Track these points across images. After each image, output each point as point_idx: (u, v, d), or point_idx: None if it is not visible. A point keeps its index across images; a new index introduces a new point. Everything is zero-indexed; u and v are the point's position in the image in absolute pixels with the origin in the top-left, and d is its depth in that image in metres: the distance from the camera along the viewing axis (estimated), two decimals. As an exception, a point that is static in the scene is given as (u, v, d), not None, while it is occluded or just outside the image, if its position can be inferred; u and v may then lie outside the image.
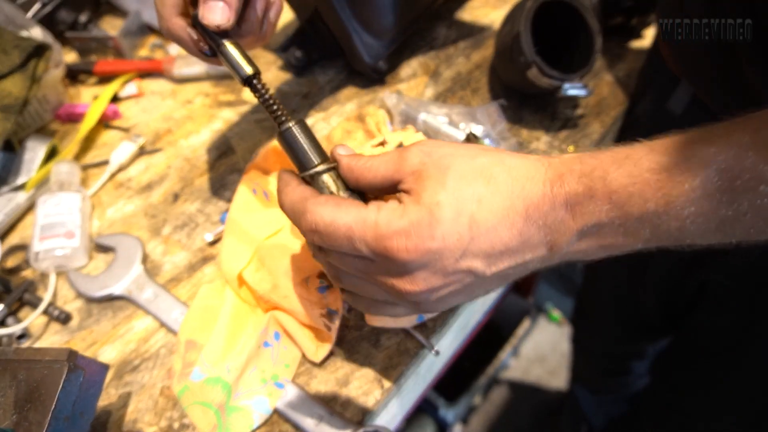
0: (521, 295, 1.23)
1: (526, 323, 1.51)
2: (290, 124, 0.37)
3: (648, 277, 0.75)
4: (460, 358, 1.27)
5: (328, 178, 0.36)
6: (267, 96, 0.38)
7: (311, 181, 0.36)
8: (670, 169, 0.27)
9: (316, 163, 0.36)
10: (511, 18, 0.59)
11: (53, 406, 0.29)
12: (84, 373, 0.33)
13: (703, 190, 0.27)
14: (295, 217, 0.34)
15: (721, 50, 0.48)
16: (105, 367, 0.38)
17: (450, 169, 0.31)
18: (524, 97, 0.63)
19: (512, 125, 0.61)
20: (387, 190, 0.34)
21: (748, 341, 0.61)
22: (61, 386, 0.30)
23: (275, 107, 0.38)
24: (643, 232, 0.29)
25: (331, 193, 0.35)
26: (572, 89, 0.56)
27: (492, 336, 1.25)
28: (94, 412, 0.36)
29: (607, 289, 0.89)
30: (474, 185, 0.30)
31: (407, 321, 0.45)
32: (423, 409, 1.17)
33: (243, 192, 0.51)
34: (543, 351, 1.59)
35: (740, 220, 0.27)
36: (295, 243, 0.47)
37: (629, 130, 0.66)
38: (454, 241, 0.30)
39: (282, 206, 0.35)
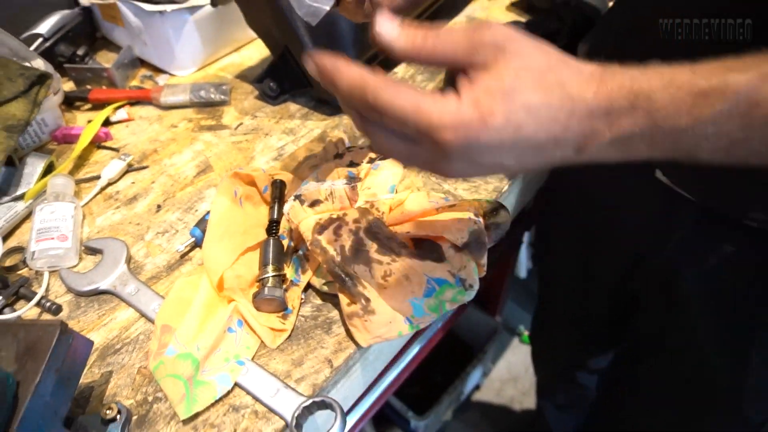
0: (488, 313, 1.30)
1: (496, 343, 1.57)
2: None
3: (595, 290, 0.82)
4: (432, 374, 1.33)
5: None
6: None
7: None
8: (707, 93, 0.30)
9: None
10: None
11: (47, 359, 0.36)
12: (73, 337, 0.39)
13: (729, 114, 0.30)
14: (353, 94, 0.33)
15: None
16: (90, 342, 0.44)
17: (519, 69, 0.31)
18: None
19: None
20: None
21: (668, 343, 0.69)
22: (53, 343, 0.36)
23: None
24: (665, 145, 0.32)
25: None
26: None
27: (461, 353, 1.31)
28: (78, 379, 0.42)
29: (560, 302, 0.96)
30: (531, 92, 0.31)
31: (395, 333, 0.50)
32: (394, 421, 1.22)
33: (225, 189, 0.58)
34: (516, 371, 1.65)
35: (749, 143, 0.31)
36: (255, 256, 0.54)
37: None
38: (499, 141, 0.31)
39: (336, 87, 0.34)
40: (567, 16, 0.77)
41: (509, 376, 1.64)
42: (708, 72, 0.31)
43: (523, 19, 0.86)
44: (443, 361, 1.35)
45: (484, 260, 0.52)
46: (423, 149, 0.33)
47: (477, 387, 1.57)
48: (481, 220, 0.53)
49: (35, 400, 0.35)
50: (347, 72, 0.34)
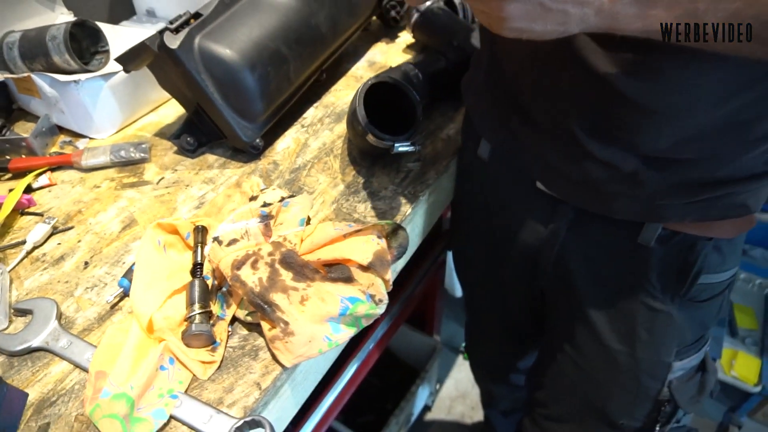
0: (426, 333, 1.36)
1: (441, 362, 1.63)
2: None
3: (509, 294, 0.90)
4: (384, 402, 1.37)
5: None
6: None
7: None
8: None
9: None
10: (354, 98, 0.76)
11: (-17, 408, 0.39)
12: (7, 389, 0.43)
13: None
14: None
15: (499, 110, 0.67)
16: (25, 394, 0.47)
17: None
18: (375, 157, 0.80)
19: (365, 179, 0.77)
20: None
21: (574, 332, 0.77)
22: (-11, 393, 0.40)
23: None
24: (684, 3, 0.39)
25: None
26: (401, 147, 0.72)
27: (409, 377, 1.36)
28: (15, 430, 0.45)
29: (483, 311, 1.04)
30: None
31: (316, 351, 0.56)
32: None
33: (149, 239, 0.63)
34: (464, 388, 1.71)
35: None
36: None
37: (461, 175, 0.84)
38: None
39: None
40: (452, 56, 0.87)
41: (457, 393, 1.70)
42: None
43: (420, 58, 0.95)
44: (394, 388, 1.40)
45: (389, 276, 0.59)
46: None
47: (428, 407, 1.62)
48: (383, 240, 0.60)
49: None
50: None
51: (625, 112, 0.54)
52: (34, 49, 0.82)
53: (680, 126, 0.54)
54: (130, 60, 0.76)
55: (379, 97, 0.75)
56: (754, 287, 1.62)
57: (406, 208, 0.73)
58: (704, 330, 0.74)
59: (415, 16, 0.97)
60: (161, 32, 0.71)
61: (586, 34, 0.51)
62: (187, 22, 0.74)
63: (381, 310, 0.59)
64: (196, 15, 0.75)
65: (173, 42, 0.70)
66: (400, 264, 0.78)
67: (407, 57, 1.02)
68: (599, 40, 0.51)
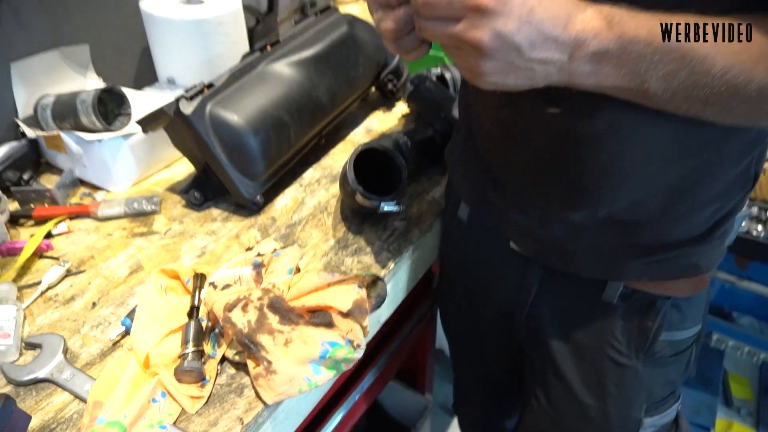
0: (417, 391, 1.38)
1: (435, 423, 1.63)
2: None
3: (491, 351, 0.94)
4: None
5: None
6: None
7: None
8: (656, 33, 0.44)
9: None
10: (347, 161, 0.84)
11: (-8, 422, 0.44)
12: (14, 408, 0.48)
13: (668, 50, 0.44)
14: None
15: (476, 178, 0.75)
16: (28, 416, 0.52)
17: None
18: (364, 215, 0.87)
19: (355, 235, 0.84)
20: None
21: (549, 386, 0.80)
22: (-1, 408, 0.45)
23: None
24: (628, 66, 0.45)
25: None
26: (387, 206, 0.79)
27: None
28: (18, 449, 0.50)
29: (468, 368, 1.07)
30: (543, 2, 0.43)
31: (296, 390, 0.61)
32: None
33: (152, 283, 0.69)
34: (458, 450, 1.69)
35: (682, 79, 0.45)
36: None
37: (444, 234, 0.91)
38: (518, 15, 0.42)
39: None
40: (439, 126, 0.96)
41: (452, 454, 1.68)
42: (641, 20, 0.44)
43: (411, 127, 1.04)
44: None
45: (367, 322, 0.64)
46: (467, 21, 0.43)
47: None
48: (363, 290, 0.66)
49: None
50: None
51: (585, 174, 0.60)
52: (65, 111, 0.92)
53: (635, 187, 0.60)
54: (148, 123, 0.85)
55: (370, 161, 0.83)
56: (743, 355, 1.63)
57: (390, 263, 0.79)
58: (673, 387, 0.77)
59: (410, 88, 1.06)
60: (177, 99, 0.81)
61: (551, 104, 0.58)
62: (201, 91, 0.83)
63: (359, 354, 0.64)
64: (210, 85, 0.85)
65: (187, 108, 0.80)
66: (384, 315, 0.83)
67: (402, 124, 1.11)
68: (563, 107, 0.58)
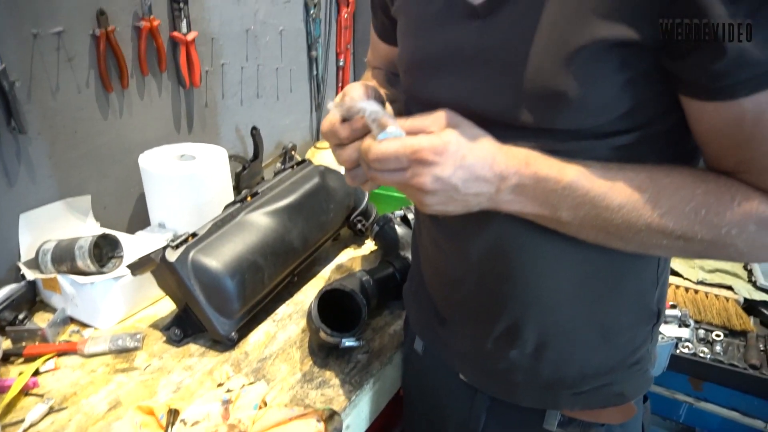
0: None
1: None
2: None
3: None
4: None
5: None
6: None
7: None
8: (564, 173, 0.55)
9: None
10: (313, 300, 0.94)
11: None
12: None
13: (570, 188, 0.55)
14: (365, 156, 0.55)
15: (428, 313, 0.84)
16: None
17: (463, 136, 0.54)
18: (329, 349, 0.95)
19: (320, 369, 0.91)
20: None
21: None
22: None
23: None
24: (541, 198, 0.55)
25: None
26: (348, 342, 0.88)
27: None
28: None
29: None
30: (472, 145, 0.53)
31: None
32: None
33: (128, 420, 0.75)
34: None
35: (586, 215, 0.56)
36: None
37: (404, 365, 0.98)
38: (453, 161, 0.52)
39: (366, 155, 0.55)
40: (399, 265, 1.07)
41: None
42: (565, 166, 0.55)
43: (374, 265, 1.15)
44: None
45: (323, 454, 0.70)
46: (411, 171, 0.53)
47: None
48: (321, 424, 0.73)
49: None
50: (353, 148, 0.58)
51: (509, 311, 0.70)
52: (64, 255, 1.03)
53: (554, 319, 0.69)
54: (137, 267, 0.96)
55: (335, 299, 0.93)
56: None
57: (351, 395, 0.86)
58: None
59: (375, 229, 1.19)
60: (164, 248, 0.92)
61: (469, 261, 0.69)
62: (185, 240, 0.95)
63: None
64: (194, 234, 0.97)
65: (172, 256, 0.91)
66: (347, 446, 0.88)
67: (368, 262, 1.23)
68: (484, 252, 0.69)
